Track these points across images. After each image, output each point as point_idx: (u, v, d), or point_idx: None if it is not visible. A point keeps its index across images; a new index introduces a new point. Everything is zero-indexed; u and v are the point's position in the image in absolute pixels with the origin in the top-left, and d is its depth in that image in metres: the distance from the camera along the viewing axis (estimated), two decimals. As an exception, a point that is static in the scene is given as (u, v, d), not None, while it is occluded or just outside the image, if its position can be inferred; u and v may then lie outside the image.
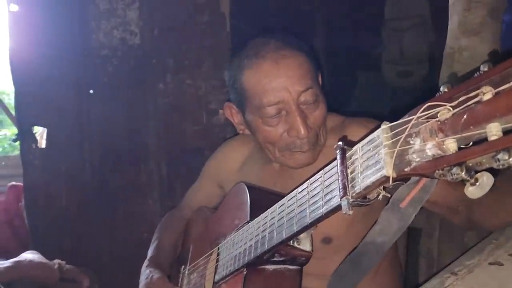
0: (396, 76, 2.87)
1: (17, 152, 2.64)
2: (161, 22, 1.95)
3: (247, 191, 1.13)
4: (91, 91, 1.98)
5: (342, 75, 2.90)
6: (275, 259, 0.98)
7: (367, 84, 3.07)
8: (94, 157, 2.00)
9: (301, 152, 1.18)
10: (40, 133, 2.03)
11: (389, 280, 1.33)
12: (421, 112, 0.58)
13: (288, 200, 0.90)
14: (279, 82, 1.13)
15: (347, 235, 1.19)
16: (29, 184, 2.00)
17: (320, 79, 1.27)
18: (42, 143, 2.00)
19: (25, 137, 1.98)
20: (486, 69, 0.52)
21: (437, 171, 0.56)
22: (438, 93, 0.58)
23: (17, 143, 2.03)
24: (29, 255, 1.62)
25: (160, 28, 1.95)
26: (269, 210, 0.96)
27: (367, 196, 0.70)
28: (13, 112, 2.38)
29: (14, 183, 2.12)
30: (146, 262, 1.37)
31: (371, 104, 2.88)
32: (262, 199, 1.06)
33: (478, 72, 0.53)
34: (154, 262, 1.36)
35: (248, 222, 1.06)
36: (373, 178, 0.64)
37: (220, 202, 1.40)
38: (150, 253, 1.43)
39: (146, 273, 1.31)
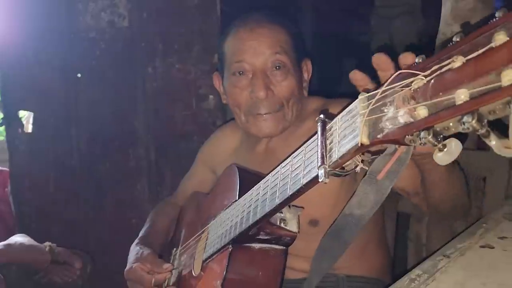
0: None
1: (2, 138, 2.60)
2: (150, 5, 1.92)
3: (237, 172, 1.15)
4: (79, 75, 1.95)
5: (329, 62, 2.89)
6: (260, 237, 0.99)
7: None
8: (82, 142, 1.98)
9: (261, 116, 1.23)
10: (26, 117, 2.00)
11: (376, 261, 1.35)
12: (393, 81, 0.61)
13: (273, 175, 0.91)
14: (250, 44, 1.23)
15: (334, 216, 1.20)
16: (15, 169, 1.98)
17: (308, 66, 1.35)
18: (29, 128, 1.97)
19: (11, 121, 1.95)
20: (458, 39, 0.54)
21: (407, 136, 0.58)
22: (413, 64, 0.61)
23: (3, 127, 2.01)
24: (19, 238, 1.60)
25: (149, 11, 1.92)
26: (255, 187, 0.98)
27: (345, 167, 0.73)
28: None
29: (0, 168, 2.09)
30: (136, 241, 1.38)
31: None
32: (252, 180, 1.06)
33: (450, 43, 0.55)
34: (144, 241, 1.37)
35: (236, 201, 1.07)
36: (348, 146, 0.66)
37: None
38: (141, 233, 1.44)
39: (136, 249, 1.32)
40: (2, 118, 2.14)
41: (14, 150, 1.96)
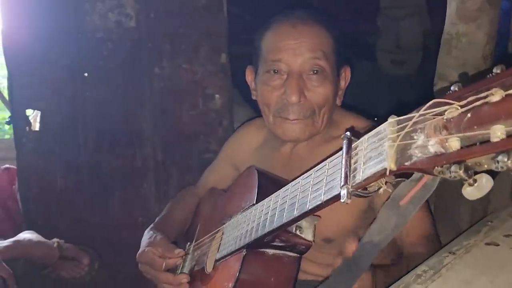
0: (391, 64, 2.87)
1: (9, 136, 2.62)
2: (157, 6, 1.92)
3: (257, 175, 1.14)
4: (86, 74, 1.96)
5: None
6: (275, 243, 0.99)
7: (361, 72, 3.06)
8: (89, 140, 1.99)
9: (289, 120, 1.19)
10: (33, 116, 2.01)
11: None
12: (427, 109, 0.58)
13: (293, 185, 0.90)
14: (289, 44, 1.17)
15: (347, 234, 1.17)
16: (23, 167, 1.99)
17: (346, 74, 1.30)
18: (36, 126, 1.99)
19: (18, 120, 1.97)
20: (498, 71, 0.51)
21: (436, 167, 0.56)
22: (448, 92, 0.57)
23: (10, 126, 2.02)
24: (27, 235, 1.63)
25: (157, 11, 1.92)
26: (274, 194, 0.97)
27: (368, 189, 0.71)
28: (6, 95, 2.36)
29: (7, 165, 2.10)
30: (150, 226, 1.39)
31: (365, 92, 2.88)
32: (271, 184, 1.07)
33: (490, 74, 0.52)
34: (158, 227, 1.37)
35: (253, 205, 1.07)
36: (374, 169, 0.65)
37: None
38: (156, 220, 1.44)
39: (149, 233, 1.32)
40: (9, 116, 2.15)
41: (21, 148, 1.97)
